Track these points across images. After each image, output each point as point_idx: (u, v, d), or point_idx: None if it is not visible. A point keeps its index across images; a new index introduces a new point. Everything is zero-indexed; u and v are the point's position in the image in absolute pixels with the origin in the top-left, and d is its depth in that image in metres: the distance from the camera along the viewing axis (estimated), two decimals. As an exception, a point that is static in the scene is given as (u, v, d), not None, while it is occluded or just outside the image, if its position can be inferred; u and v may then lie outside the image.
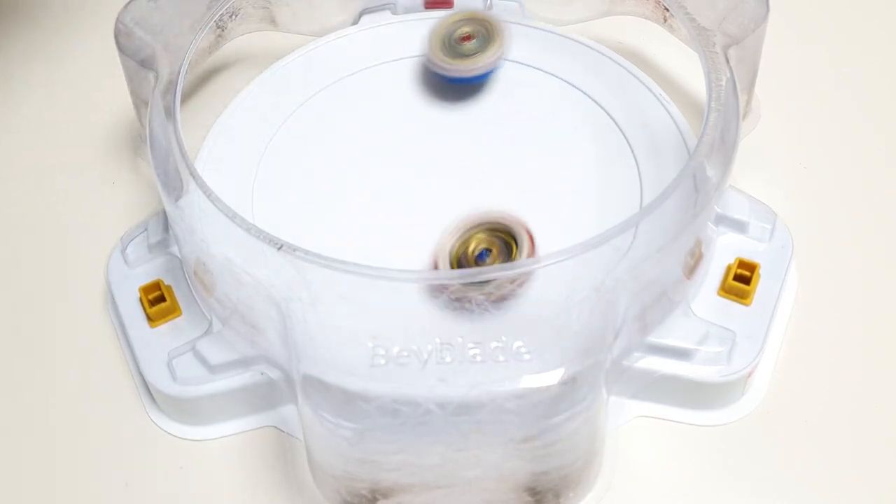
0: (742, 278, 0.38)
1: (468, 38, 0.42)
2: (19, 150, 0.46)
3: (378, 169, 0.40)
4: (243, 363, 0.36)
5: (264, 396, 0.37)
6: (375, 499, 0.34)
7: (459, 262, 0.35)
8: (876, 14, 0.49)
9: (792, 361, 0.38)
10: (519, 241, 0.36)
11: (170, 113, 0.37)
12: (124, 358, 0.39)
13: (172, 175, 0.36)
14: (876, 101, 0.46)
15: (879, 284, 0.40)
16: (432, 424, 0.32)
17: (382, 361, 0.33)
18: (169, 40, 0.40)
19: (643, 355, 0.36)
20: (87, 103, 0.47)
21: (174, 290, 0.38)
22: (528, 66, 0.43)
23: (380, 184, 0.40)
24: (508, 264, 0.34)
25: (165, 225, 0.40)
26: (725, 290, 0.38)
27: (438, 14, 0.45)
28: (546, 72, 0.43)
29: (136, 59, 0.39)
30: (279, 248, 0.33)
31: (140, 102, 0.41)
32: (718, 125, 0.36)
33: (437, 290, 0.34)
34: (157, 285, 0.38)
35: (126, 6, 0.40)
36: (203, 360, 0.36)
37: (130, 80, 0.40)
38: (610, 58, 0.43)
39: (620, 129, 0.41)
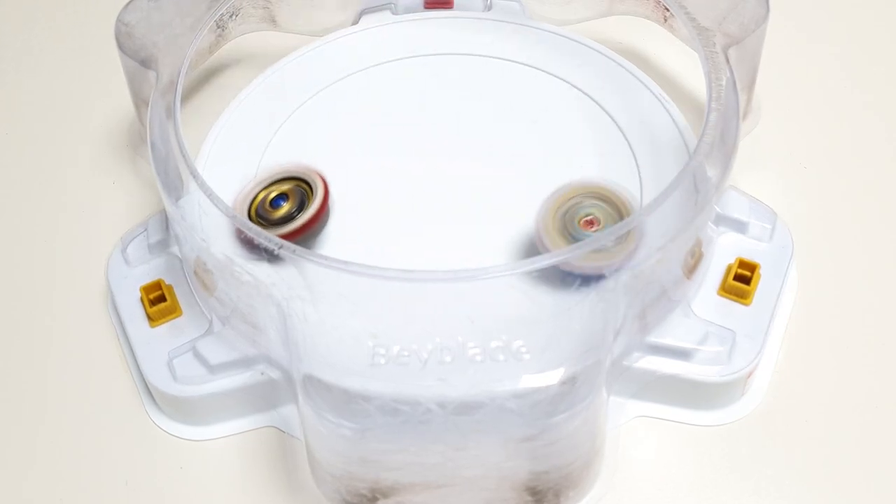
0: (742, 278, 0.38)
1: (592, 222, 0.35)
2: (19, 150, 0.46)
3: (378, 168, 0.40)
4: (243, 363, 0.36)
5: (264, 396, 0.37)
6: (376, 498, 0.34)
7: (257, 209, 0.37)
8: (876, 14, 0.49)
9: (792, 361, 0.38)
10: (314, 187, 0.37)
11: (170, 113, 0.37)
12: (124, 358, 0.39)
13: (173, 175, 0.36)
14: (876, 100, 0.46)
15: (880, 284, 0.40)
16: (433, 424, 0.32)
17: (383, 361, 0.33)
18: (169, 40, 0.40)
19: (643, 355, 0.36)
20: (87, 103, 0.47)
21: (175, 289, 0.38)
22: (529, 66, 0.43)
23: (380, 183, 0.40)
24: (510, 264, 0.34)
25: (165, 224, 0.40)
26: (725, 290, 0.38)
27: (438, 14, 0.45)
28: (546, 72, 0.43)
29: (136, 59, 0.39)
30: (279, 248, 0.33)
31: (140, 102, 0.41)
32: (718, 125, 0.36)
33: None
34: (157, 285, 0.38)
35: (126, 6, 0.40)
36: (203, 360, 0.36)
37: (130, 80, 0.40)
38: (610, 58, 0.43)
39: (620, 129, 0.41)
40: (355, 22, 0.46)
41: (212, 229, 0.35)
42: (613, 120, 0.41)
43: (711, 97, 0.37)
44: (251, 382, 0.36)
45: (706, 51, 0.38)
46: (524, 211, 0.37)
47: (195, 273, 0.37)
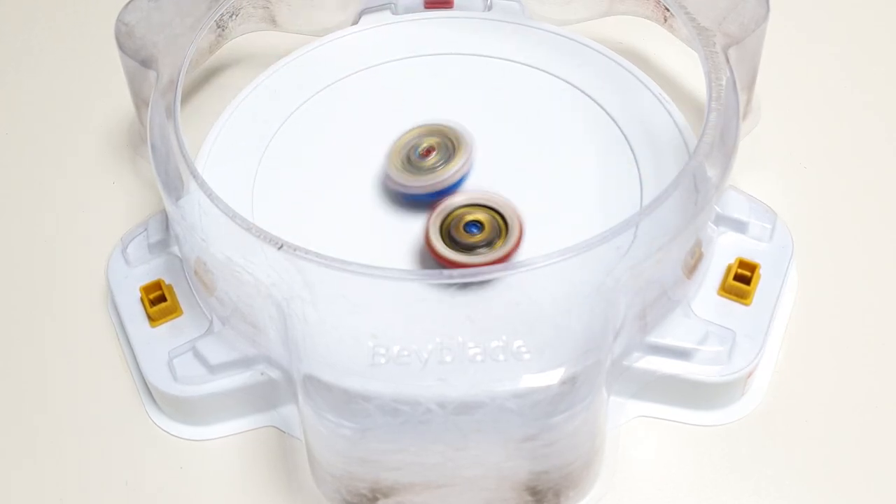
0: (742, 278, 0.38)
1: (429, 151, 0.39)
2: (20, 150, 0.46)
3: (378, 168, 0.40)
4: (243, 363, 0.36)
5: (264, 396, 0.37)
6: (376, 498, 0.34)
7: (448, 228, 0.37)
8: (876, 14, 0.49)
9: (792, 361, 0.38)
10: (510, 226, 0.37)
11: (170, 113, 0.37)
12: (124, 358, 0.39)
13: (173, 175, 0.36)
14: (876, 100, 0.46)
15: (879, 284, 0.40)
16: (433, 424, 0.32)
17: (383, 361, 0.33)
18: (169, 40, 0.40)
19: (643, 355, 0.36)
20: (87, 103, 0.47)
21: (175, 289, 0.38)
22: (528, 66, 0.43)
23: (380, 183, 0.40)
24: (510, 263, 0.34)
25: (165, 224, 0.40)
26: (726, 290, 0.38)
27: (438, 14, 0.46)
28: (546, 72, 0.43)
29: (137, 59, 0.39)
30: (279, 248, 0.33)
31: (140, 102, 0.41)
32: (718, 125, 0.36)
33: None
34: (157, 285, 0.38)
35: (126, 6, 0.40)
36: (203, 360, 0.36)
37: (130, 80, 0.40)
38: (610, 58, 0.43)
39: (620, 129, 0.41)
40: (355, 22, 0.46)
41: (212, 229, 0.35)
42: (613, 120, 0.41)
43: (711, 97, 0.37)
44: (251, 382, 0.36)
45: (706, 51, 0.38)
46: (524, 210, 0.37)
47: (195, 273, 0.37)
